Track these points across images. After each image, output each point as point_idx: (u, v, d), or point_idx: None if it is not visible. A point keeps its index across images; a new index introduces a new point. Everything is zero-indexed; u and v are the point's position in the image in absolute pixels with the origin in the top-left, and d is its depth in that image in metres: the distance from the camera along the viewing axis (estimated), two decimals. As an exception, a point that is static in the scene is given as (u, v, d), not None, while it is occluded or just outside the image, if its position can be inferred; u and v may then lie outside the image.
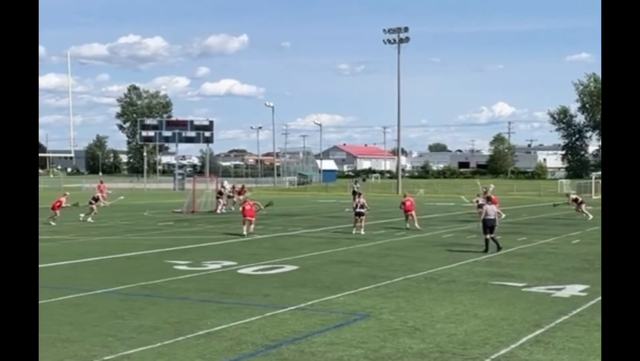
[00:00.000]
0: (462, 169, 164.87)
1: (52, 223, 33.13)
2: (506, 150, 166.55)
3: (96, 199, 38.35)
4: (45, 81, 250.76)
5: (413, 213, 31.43)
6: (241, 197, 40.33)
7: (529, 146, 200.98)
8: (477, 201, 34.32)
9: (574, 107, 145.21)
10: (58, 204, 34.69)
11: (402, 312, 13.34)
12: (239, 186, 47.10)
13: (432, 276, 17.82)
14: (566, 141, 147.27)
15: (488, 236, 22.72)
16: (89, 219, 35.35)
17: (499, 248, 22.50)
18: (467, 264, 20.18)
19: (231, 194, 45.03)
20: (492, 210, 23.20)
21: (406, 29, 76.89)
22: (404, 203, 31.87)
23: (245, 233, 28.07)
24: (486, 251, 22.36)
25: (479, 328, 12.10)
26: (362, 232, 28.80)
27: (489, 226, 22.80)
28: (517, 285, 16.41)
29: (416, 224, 30.68)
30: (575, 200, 39.32)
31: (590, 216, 36.33)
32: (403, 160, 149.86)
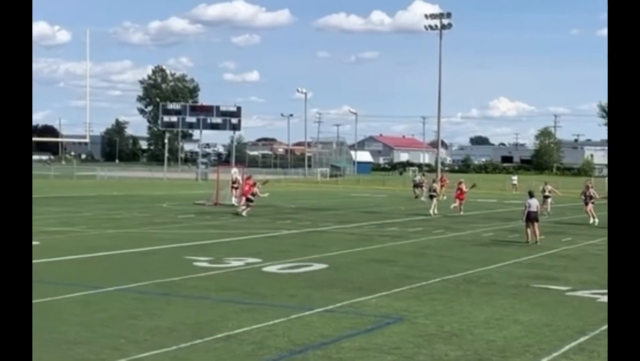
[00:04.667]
0: (505, 164, 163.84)
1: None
2: (552, 145, 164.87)
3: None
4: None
5: None
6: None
7: (576, 141, 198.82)
8: None
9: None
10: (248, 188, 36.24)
11: (439, 316, 13.16)
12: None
13: (471, 278, 17.60)
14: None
15: None
16: None
17: None
18: (508, 265, 19.93)
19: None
20: None
21: (449, 15, 78.51)
22: None
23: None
24: None
25: (519, 334, 11.92)
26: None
27: None
28: (561, 289, 16.17)
29: None
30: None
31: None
32: (443, 153, 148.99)
